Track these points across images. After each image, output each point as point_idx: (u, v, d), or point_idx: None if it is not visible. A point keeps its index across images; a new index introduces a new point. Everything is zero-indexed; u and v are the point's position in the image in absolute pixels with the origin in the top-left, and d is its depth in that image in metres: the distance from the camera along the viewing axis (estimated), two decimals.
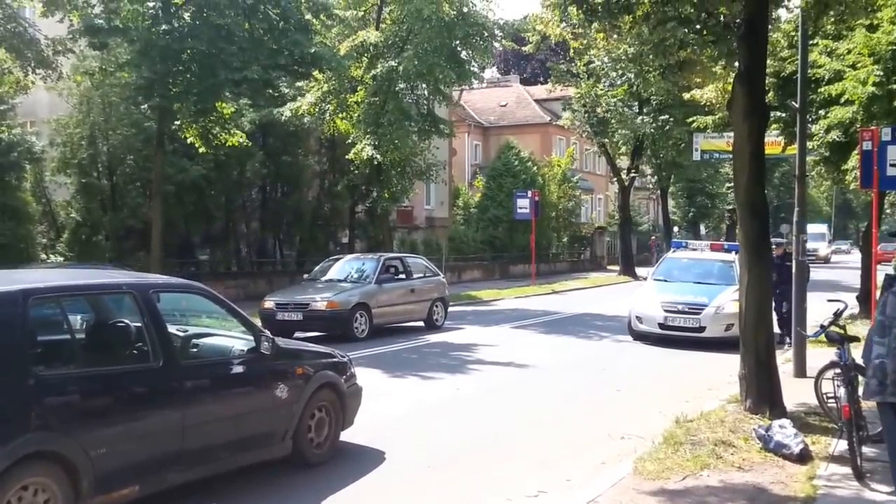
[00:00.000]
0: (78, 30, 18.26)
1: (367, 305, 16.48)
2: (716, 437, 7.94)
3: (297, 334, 14.94)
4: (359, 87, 24.13)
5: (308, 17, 20.06)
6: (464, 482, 7.12)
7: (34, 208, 23.14)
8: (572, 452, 8.09)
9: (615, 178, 40.43)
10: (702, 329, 15.37)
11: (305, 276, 19.68)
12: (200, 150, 21.24)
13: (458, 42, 24.62)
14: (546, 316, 21.33)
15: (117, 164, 23.73)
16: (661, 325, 15.69)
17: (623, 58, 25.82)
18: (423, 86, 25.40)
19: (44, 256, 22.05)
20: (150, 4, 18.25)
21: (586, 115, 36.63)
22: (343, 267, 18.35)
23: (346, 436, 8.01)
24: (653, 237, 51.69)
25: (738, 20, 9.48)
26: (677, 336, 15.52)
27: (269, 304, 16.35)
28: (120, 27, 18.21)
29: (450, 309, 19.54)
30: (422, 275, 18.89)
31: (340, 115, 24.51)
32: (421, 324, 18.33)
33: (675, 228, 55.05)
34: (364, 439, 8.26)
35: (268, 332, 7.23)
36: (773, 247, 14.73)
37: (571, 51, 31.41)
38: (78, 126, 23.16)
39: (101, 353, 6.32)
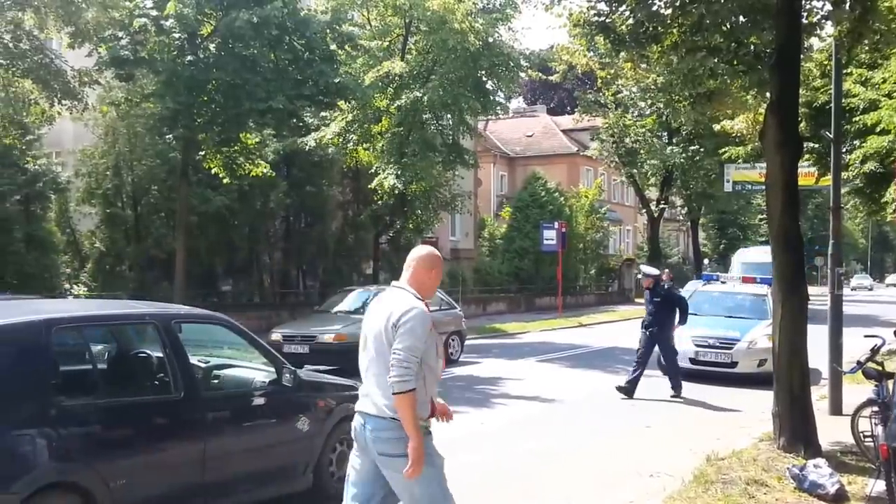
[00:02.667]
0: (104, 61, 18.45)
1: None
2: (748, 476, 7.70)
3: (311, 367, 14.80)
4: (383, 118, 24.20)
5: (333, 47, 20.19)
6: None
7: (59, 238, 23.31)
8: (600, 489, 7.88)
9: (644, 210, 40.25)
10: (734, 364, 15.03)
11: (317, 307, 19.35)
12: (224, 180, 21.32)
13: (483, 72, 24.65)
14: (573, 349, 21.05)
15: (142, 194, 23.87)
16: (692, 360, 15.36)
17: (652, 87, 25.80)
18: (448, 116, 25.41)
19: (68, 286, 22.13)
20: (176, 36, 18.45)
21: (614, 145, 36.53)
22: (355, 299, 17.82)
23: None
24: (666, 270, 50.92)
25: (768, 49, 9.38)
26: (708, 371, 15.19)
27: (276, 335, 15.90)
28: (146, 58, 18.40)
29: (475, 342, 19.36)
30: (436, 307, 18.19)
31: (364, 146, 24.57)
32: None
33: (706, 261, 54.52)
34: None
35: (289, 365, 7.13)
36: (642, 277, 14.61)
37: (599, 80, 31.56)
38: (103, 156, 23.35)
39: (122, 384, 6.28)
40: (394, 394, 4.49)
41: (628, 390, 13.28)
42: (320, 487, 7.16)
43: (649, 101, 32.90)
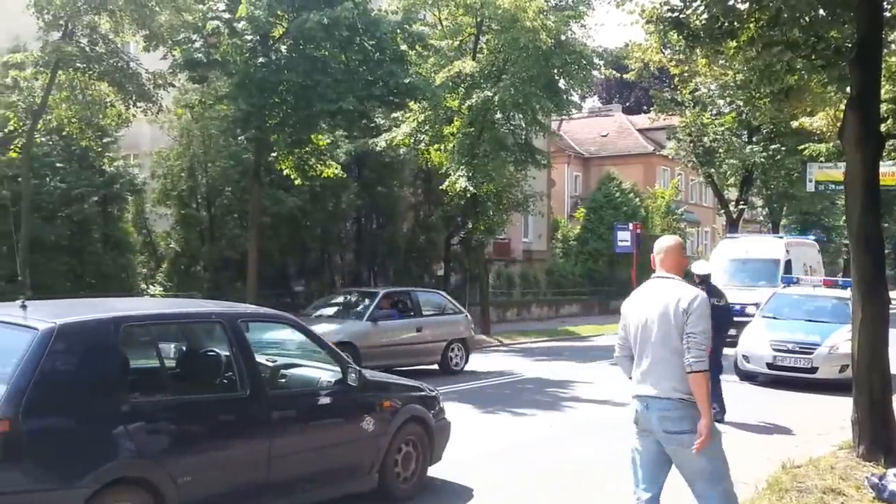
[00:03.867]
0: (178, 63, 18.82)
1: (354, 345, 14.07)
2: (825, 485, 7.41)
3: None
4: (454, 118, 24.16)
5: (404, 47, 20.21)
6: None
7: (135, 239, 23.87)
8: (671, 497, 7.67)
9: (723, 211, 39.31)
10: (814, 370, 14.51)
11: (300, 311, 17.96)
12: (296, 181, 21.55)
13: (555, 71, 24.37)
14: None
15: (215, 195, 24.30)
16: (770, 366, 14.90)
17: (730, 84, 25.18)
18: (520, 116, 25.23)
19: (144, 286, 22.65)
20: (248, 38, 18.69)
21: (692, 144, 35.74)
22: (337, 302, 17.07)
23: (434, 471, 7.81)
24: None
25: (849, 43, 9.03)
26: (787, 377, 14.71)
27: None
28: (219, 60, 18.68)
29: (546, 344, 19.14)
30: (435, 312, 17.13)
31: (435, 146, 24.58)
32: (516, 359, 18.02)
33: None
34: (452, 475, 8.04)
35: (354, 364, 7.14)
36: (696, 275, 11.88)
37: (675, 78, 30.94)
38: (178, 158, 23.83)
39: (190, 382, 6.37)
40: (692, 373, 4.88)
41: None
42: (385, 488, 7.15)
43: (728, 99, 32.11)
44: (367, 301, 16.09)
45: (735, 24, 9.51)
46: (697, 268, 12.25)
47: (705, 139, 35.04)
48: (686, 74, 29.76)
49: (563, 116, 31.39)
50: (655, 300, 5.17)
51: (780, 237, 27.60)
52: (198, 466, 5.67)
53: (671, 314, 5.01)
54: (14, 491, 4.74)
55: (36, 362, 5.04)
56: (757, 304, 18.51)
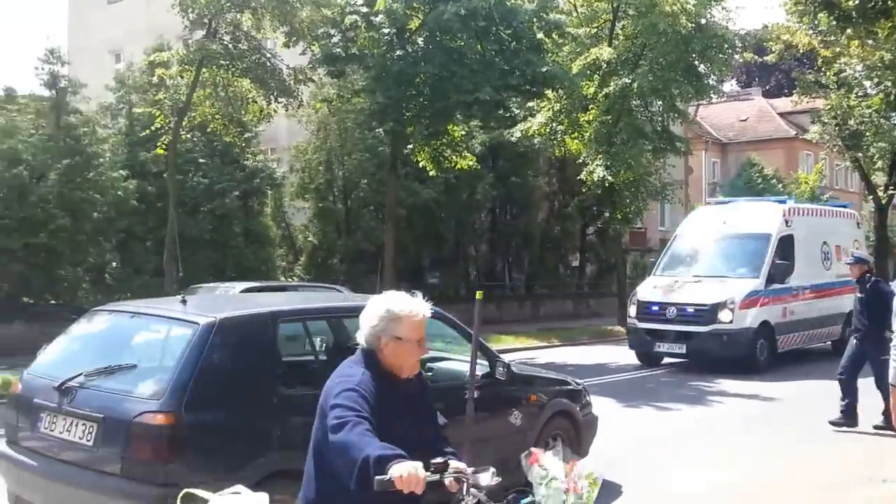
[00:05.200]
0: (318, 58, 19.16)
1: None
2: None
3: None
4: (590, 106, 23.68)
5: (540, 36, 19.91)
6: None
7: (275, 232, 24.53)
8: (826, 496, 7.21)
9: (870, 196, 37.17)
10: None
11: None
12: (431, 173, 21.61)
13: (695, 56, 23.57)
14: None
15: (352, 188, 24.67)
16: None
17: (878, 65, 23.73)
18: (658, 102, 24.53)
19: (283, 279, 23.21)
20: (385, 31, 18.85)
21: (837, 127, 33.89)
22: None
23: None
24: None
25: None
26: None
27: None
28: (356, 54, 18.93)
29: None
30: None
31: (571, 135, 24.17)
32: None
33: None
34: (599, 470, 7.77)
35: (502, 358, 6.99)
36: (850, 262, 10.70)
37: (819, 60, 29.42)
38: (316, 152, 24.31)
39: None
40: None
41: (844, 422, 10.21)
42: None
43: (875, 80, 30.28)
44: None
45: (889, 2, 8.91)
46: (857, 254, 11.41)
47: (851, 122, 33.14)
48: (831, 56, 28.34)
49: (702, 102, 30.35)
50: None
51: (782, 201, 18.69)
52: None
53: None
54: (179, 483, 4.81)
55: (197, 356, 5.09)
56: (725, 304, 14.95)
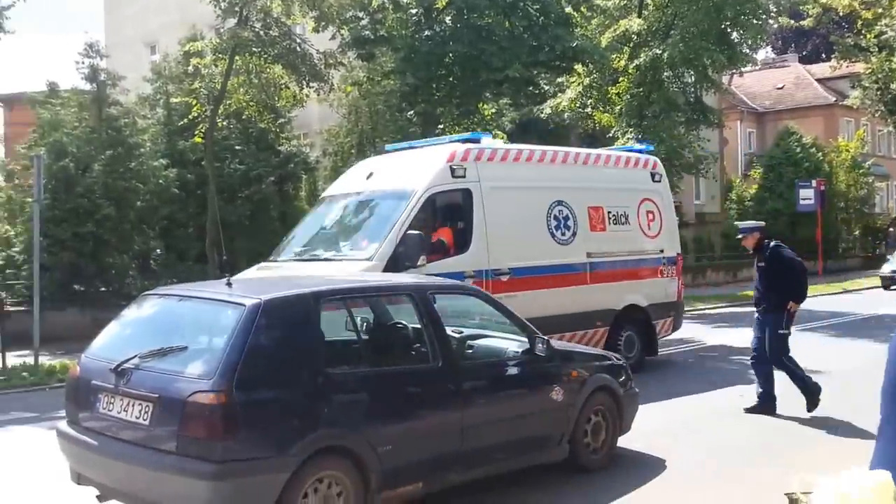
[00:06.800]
0: (347, 42, 19.29)
1: None
2: None
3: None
4: (621, 79, 23.54)
5: (568, 9, 19.89)
6: (754, 495, 6.54)
7: None
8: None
9: None
10: None
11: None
12: None
13: (727, 23, 23.29)
14: (835, 318, 19.37)
15: None
16: None
17: None
18: (690, 73, 24.30)
19: None
20: (413, 12, 18.93)
21: (879, 92, 33.33)
22: None
23: (623, 442, 7.67)
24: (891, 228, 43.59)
25: None
26: None
27: None
28: (385, 36, 19.07)
29: (727, 310, 18.34)
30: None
31: (602, 109, 24.06)
32: (695, 326, 17.45)
33: None
34: (642, 446, 7.86)
35: (541, 334, 7.08)
36: (740, 236, 9.83)
37: (859, 22, 28.93)
38: (347, 135, 24.45)
39: (384, 353, 6.51)
40: None
41: (760, 407, 9.50)
42: (576, 458, 7.09)
43: None
44: None
45: None
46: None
47: (894, 86, 32.60)
48: (872, 18, 27.82)
49: (735, 70, 29.98)
50: None
51: (462, 140, 11.70)
52: (396, 436, 5.77)
53: None
54: (234, 459, 5.00)
55: (245, 337, 5.24)
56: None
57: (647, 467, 7.38)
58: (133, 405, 5.29)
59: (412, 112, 21.13)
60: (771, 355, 9.34)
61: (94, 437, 5.53)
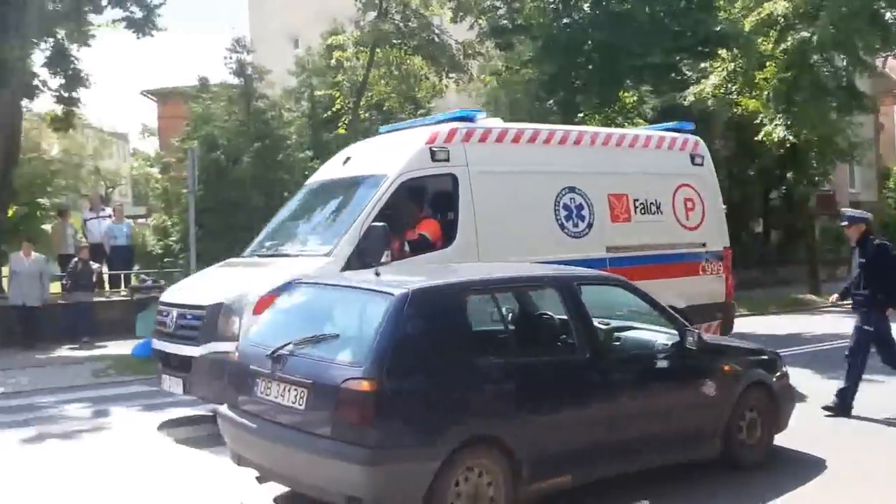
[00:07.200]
0: (485, 32, 19.30)
1: None
2: None
3: None
4: (767, 63, 22.54)
5: None
6: None
7: None
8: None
9: None
10: None
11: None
12: None
13: (881, 2, 21.95)
14: None
15: None
16: None
17: None
18: (842, 56, 23.05)
19: None
20: (551, 0, 18.72)
21: None
22: None
23: (780, 440, 7.35)
24: None
25: None
26: None
27: None
28: (523, 25, 18.94)
29: None
30: None
31: (748, 95, 23.12)
32: (828, 322, 16.55)
33: None
34: (800, 444, 7.51)
35: (692, 328, 6.87)
36: (846, 223, 9.21)
37: None
38: None
39: (530, 344, 6.48)
40: None
41: (839, 407, 9.03)
42: (730, 455, 6.85)
43: None
44: None
45: None
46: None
47: None
48: None
49: (891, 53, 28.27)
50: None
51: (468, 117, 10.13)
52: (545, 427, 5.73)
53: None
54: (386, 445, 5.07)
55: (394, 326, 5.31)
56: (228, 309, 8.19)
57: (807, 467, 7.08)
58: (289, 390, 5.44)
59: (551, 101, 20.92)
60: (851, 347, 9.01)
61: (252, 419, 5.73)
